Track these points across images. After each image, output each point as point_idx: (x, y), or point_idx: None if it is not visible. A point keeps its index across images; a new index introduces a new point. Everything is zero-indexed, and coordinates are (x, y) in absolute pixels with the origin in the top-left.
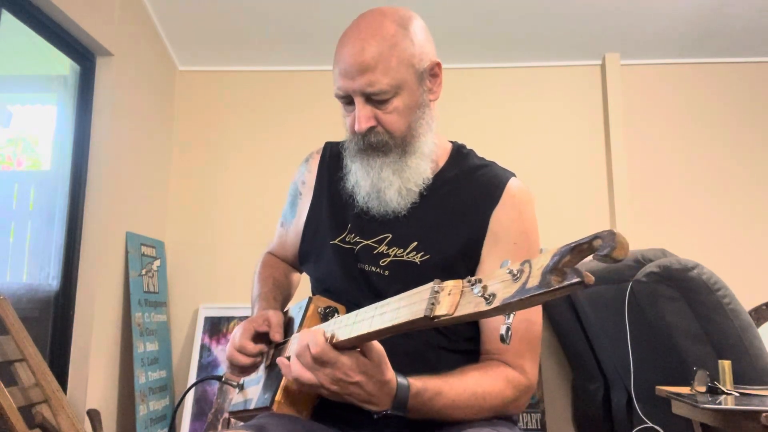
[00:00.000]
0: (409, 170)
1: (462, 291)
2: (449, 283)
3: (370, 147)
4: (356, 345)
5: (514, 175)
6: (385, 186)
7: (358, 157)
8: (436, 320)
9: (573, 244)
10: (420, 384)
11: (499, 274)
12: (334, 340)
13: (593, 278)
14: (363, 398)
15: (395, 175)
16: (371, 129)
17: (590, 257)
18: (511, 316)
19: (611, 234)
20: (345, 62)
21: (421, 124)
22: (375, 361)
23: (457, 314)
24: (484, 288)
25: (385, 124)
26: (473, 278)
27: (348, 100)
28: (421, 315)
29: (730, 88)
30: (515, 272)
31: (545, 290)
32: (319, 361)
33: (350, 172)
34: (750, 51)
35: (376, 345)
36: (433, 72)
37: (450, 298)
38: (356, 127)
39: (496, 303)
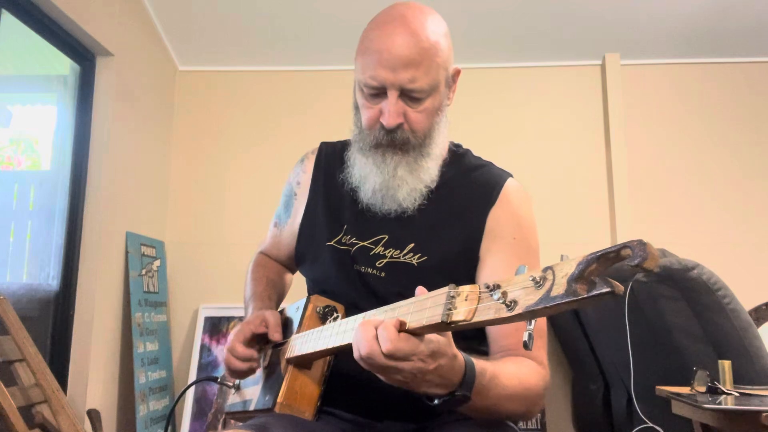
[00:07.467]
0: (422, 171)
1: (479, 297)
2: (465, 288)
3: (392, 143)
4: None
5: (511, 175)
6: (398, 185)
7: (372, 153)
8: (453, 326)
9: (599, 253)
10: (478, 363)
11: (518, 280)
12: (407, 327)
13: (623, 288)
14: (435, 383)
15: (410, 175)
16: (399, 126)
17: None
18: (533, 322)
19: (641, 244)
20: (388, 52)
21: (440, 128)
22: (447, 337)
23: (475, 320)
24: (504, 294)
25: (412, 123)
26: (491, 284)
27: (378, 91)
28: (438, 321)
29: (730, 88)
30: (538, 279)
31: (572, 299)
32: (393, 358)
33: (355, 166)
34: (750, 51)
35: None
36: (454, 78)
37: (467, 304)
38: (386, 121)
39: (518, 310)
